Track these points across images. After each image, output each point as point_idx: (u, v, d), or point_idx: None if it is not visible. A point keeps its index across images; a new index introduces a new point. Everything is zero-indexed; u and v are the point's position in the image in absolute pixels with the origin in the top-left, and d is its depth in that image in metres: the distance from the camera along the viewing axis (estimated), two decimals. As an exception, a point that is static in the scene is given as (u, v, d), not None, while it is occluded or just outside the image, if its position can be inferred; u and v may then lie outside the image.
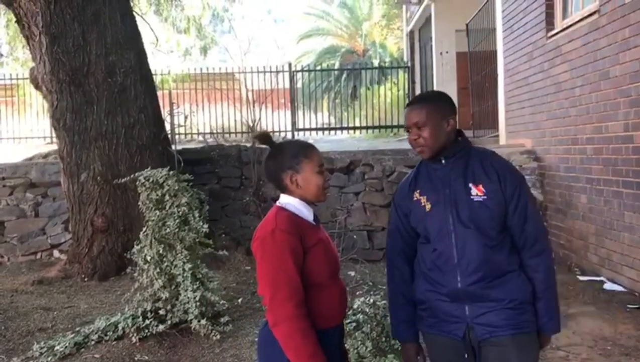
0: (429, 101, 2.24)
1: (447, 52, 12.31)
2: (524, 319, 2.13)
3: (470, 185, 2.18)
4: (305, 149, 2.12)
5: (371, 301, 3.67)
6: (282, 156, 2.10)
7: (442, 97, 2.29)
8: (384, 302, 3.95)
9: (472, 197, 2.16)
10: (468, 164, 2.21)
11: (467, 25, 11.07)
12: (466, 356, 2.19)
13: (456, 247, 2.16)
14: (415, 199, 2.27)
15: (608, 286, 5.34)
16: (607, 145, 5.52)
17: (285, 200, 2.10)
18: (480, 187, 2.17)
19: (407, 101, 14.67)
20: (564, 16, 6.73)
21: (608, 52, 5.46)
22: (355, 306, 3.63)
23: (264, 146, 2.23)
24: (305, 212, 2.09)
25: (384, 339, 3.52)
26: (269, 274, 1.94)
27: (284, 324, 1.89)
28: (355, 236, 6.85)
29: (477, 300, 2.14)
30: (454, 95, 12.38)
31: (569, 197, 6.36)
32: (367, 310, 3.57)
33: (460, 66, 12.15)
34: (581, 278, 5.70)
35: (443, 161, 2.22)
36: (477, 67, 10.88)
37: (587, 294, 5.11)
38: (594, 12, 5.75)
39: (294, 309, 1.90)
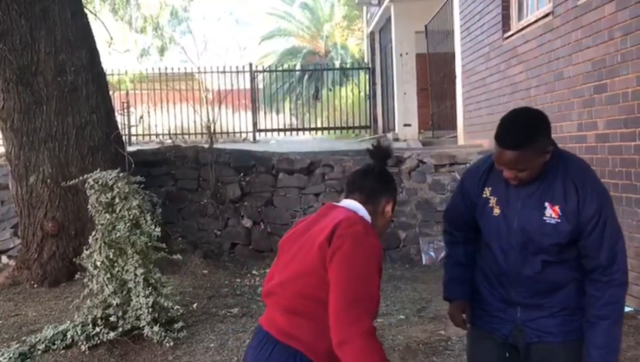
0: (530, 144, 1.94)
1: (406, 54, 12.35)
2: (575, 326, 2.08)
3: (547, 204, 2.04)
4: None
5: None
6: (394, 185, 2.03)
7: (541, 127, 1.99)
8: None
9: (545, 218, 2.03)
10: (550, 181, 2.04)
11: (425, 27, 11.17)
12: (507, 355, 2.16)
13: (515, 263, 2.09)
14: (484, 196, 2.17)
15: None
16: (561, 145, 5.51)
17: (360, 207, 1.91)
18: (557, 208, 2.02)
19: (368, 102, 14.83)
20: (520, 18, 6.82)
21: (562, 53, 5.54)
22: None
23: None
24: None
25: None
26: (352, 280, 1.69)
27: (360, 341, 1.65)
28: (315, 238, 6.79)
29: (533, 307, 2.11)
30: (413, 96, 12.47)
31: (526, 196, 6.44)
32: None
33: (419, 68, 12.23)
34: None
35: None
36: (436, 68, 10.99)
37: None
38: (548, 14, 5.84)
39: (371, 325, 1.69)
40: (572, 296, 2.09)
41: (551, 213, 2.03)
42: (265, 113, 14.81)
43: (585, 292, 2.08)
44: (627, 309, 4.53)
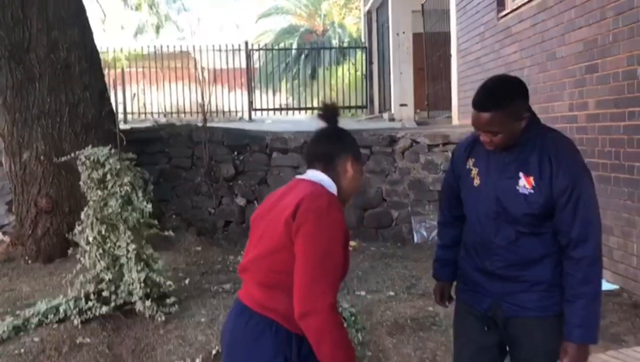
0: (503, 106, 2.00)
1: (403, 33, 12.30)
2: (552, 302, 2.11)
3: (521, 174, 2.08)
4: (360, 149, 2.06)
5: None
6: (348, 139, 2.00)
7: (516, 92, 2.06)
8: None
9: (518, 187, 2.08)
10: (528, 152, 2.09)
11: (422, 5, 11.11)
12: (486, 328, 2.23)
13: (489, 231, 2.15)
14: (468, 167, 2.23)
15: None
16: (552, 125, 5.57)
17: (322, 177, 1.91)
18: (531, 179, 2.06)
19: (364, 81, 14.78)
20: (515, -3, 6.80)
21: (555, 32, 5.54)
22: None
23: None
24: None
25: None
26: (317, 254, 1.73)
27: (323, 314, 1.70)
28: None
29: (509, 280, 2.15)
30: (410, 76, 12.44)
31: (517, 176, 6.48)
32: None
33: (416, 47, 12.18)
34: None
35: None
36: (432, 48, 10.96)
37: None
38: (543, -7, 5.83)
39: (334, 299, 1.74)
40: (547, 271, 2.12)
41: (525, 183, 2.07)
42: (261, 92, 14.78)
43: (562, 269, 2.11)
44: (612, 286, 4.61)
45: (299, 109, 14.89)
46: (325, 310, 1.70)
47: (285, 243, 1.78)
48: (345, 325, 3.57)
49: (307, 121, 12.78)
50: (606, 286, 4.66)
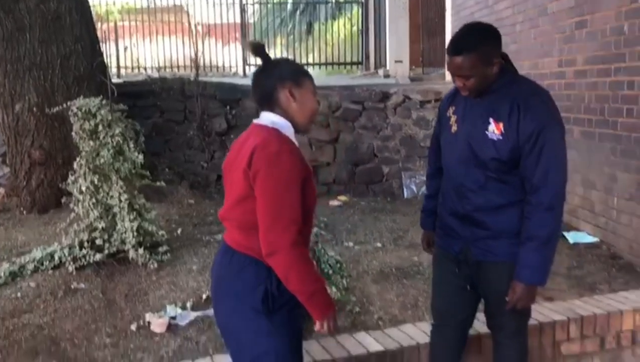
0: (474, 49, 2.08)
1: (400, -13, 12.11)
2: (517, 249, 2.20)
3: (491, 120, 2.15)
4: (305, 70, 2.04)
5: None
6: (281, 69, 1.99)
7: (486, 37, 2.14)
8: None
9: (487, 133, 2.15)
10: (500, 99, 2.16)
11: (419, -41, 10.93)
12: (457, 270, 2.36)
13: (461, 175, 2.25)
14: (448, 115, 2.34)
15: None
16: (541, 81, 5.61)
17: (273, 118, 1.96)
18: (500, 125, 2.13)
19: (360, 37, 14.62)
20: (510, -49, 6.71)
21: (547, -13, 5.52)
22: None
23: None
24: (294, 137, 1.98)
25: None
26: (272, 197, 1.82)
27: (285, 251, 1.81)
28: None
29: (478, 225, 2.26)
30: (405, 32, 12.30)
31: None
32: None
33: (412, 2, 12.02)
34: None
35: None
36: (428, 3, 10.84)
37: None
38: (536, -53, 5.77)
39: (295, 236, 1.82)
40: (513, 219, 2.21)
41: (494, 129, 2.15)
42: (255, 48, 14.60)
43: None
44: (592, 239, 4.74)
45: (294, 65, 14.75)
46: (285, 248, 1.81)
47: (248, 191, 1.89)
48: (331, 272, 3.72)
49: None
50: (587, 238, 4.80)
